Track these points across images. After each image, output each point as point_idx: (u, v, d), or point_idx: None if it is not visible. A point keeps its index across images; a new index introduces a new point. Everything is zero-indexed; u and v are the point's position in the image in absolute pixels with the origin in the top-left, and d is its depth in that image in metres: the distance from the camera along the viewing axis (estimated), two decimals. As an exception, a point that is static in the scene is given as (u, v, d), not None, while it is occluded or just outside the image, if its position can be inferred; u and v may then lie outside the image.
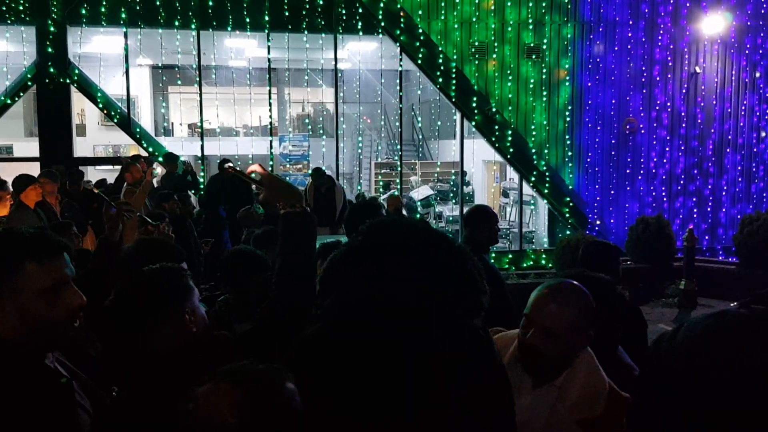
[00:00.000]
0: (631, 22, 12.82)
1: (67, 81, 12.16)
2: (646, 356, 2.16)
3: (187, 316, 2.15)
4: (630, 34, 12.83)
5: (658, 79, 13.01)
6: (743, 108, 13.31)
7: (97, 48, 13.76)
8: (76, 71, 12.33)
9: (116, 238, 3.88)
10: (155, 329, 2.11)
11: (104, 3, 11.99)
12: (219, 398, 1.51)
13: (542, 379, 2.23)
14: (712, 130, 13.24)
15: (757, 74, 13.27)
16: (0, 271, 1.86)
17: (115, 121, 12.82)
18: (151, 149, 12.78)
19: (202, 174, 12.61)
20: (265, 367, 1.59)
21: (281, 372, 1.57)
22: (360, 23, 12.44)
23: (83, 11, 11.97)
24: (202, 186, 11.96)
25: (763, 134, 13.24)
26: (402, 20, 12.18)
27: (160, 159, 12.11)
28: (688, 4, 12.94)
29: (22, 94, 12.83)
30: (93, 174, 15.52)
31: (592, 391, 2.18)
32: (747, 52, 13.20)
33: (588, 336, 2.23)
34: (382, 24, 12.21)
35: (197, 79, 12.75)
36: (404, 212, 14.05)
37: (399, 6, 12.17)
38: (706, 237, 13.19)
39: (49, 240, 1.96)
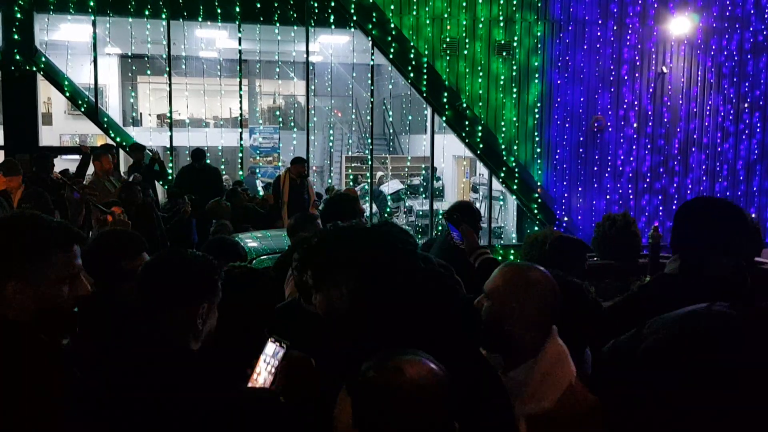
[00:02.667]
0: (600, 22, 12.97)
1: (34, 69, 11.97)
2: (602, 361, 2.21)
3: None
4: (599, 34, 12.98)
5: (626, 78, 13.19)
6: (708, 108, 13.55)
7: (65, 36, 13.56)
8: (43, 59, 12.14)
9: (79, 223, 3.85)
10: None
11: (72, -10, 11.82)
12: (421, 366, 1.52)
13: (504, 370, 2.23)
14: (678, 129, 13.46)
15: (722, 75, 13.52)
16: (28, 255, 1.94)
17: (82, 110, 12.64)
18: (118, 139, 12.65)
19: (170, 165, 12.50)
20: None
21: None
22: (332, 17, 12.42)
23: (50, -2, 11.78)
24: (170, 177, 11.87)
25: (665, 70, 13.31)
26: (374, 15, 12.18)
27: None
28: (656, 5, 13.13)
29: (-14, 81, 12.60)
30: (59, 164, 15.27)
31: (547, 385, 2.13)
32: (712, 53, 13.44)
33: (540, 324, 2.19)
34: (354, 18, 12.20)
35: (167, 69, 12.63)
36: (370, 206, 14.09)
37: (371, 0, 12.17)
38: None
39: (71, 231, 2.07)
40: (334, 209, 4.17)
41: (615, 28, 13.02)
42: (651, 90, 13.33)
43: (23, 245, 1.97)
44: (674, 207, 13.38)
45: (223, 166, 13.90)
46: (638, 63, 13.22)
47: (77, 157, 15.24)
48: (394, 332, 1.73)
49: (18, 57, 11.77)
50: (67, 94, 12.46)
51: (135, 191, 7.47)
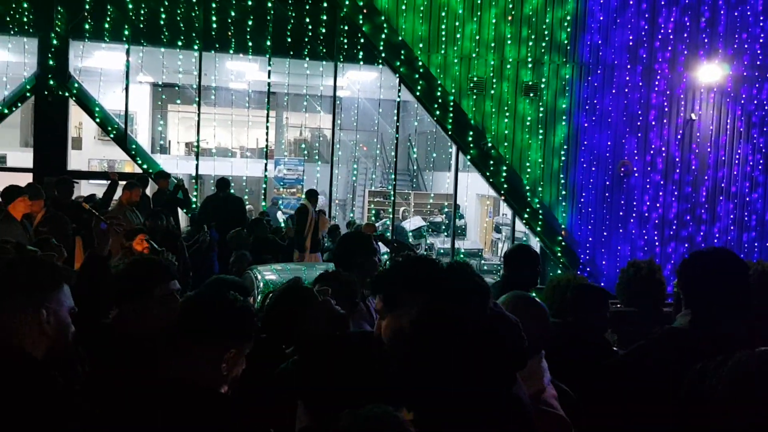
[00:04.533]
0: (629, 66, 12.93)
1: (66, 94, 12.19)
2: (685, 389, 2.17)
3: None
4: (627, 78, 12.94)
5: (653, 123, 13.10)
6: (737, 157, 13.39)
7: (98, 63, 13.82)
8: (76, 85, 12.37)
9: (105, 253, 3.87)
10: None
11: (108, 19, 12.07)
12: None
13: None
14: (706, 177, 13.30)
15: (752, 124, 13.38)
16: (47, 288, 2.13)
17: (112, 136, 12.82)
18: (145, 166, 12.77)
19: (195, 194, 12.59)
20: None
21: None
22: (361, 53, 12.55)
23: (87, 26, 12.03)
24: (194, 205, 11.95)
25: (694, 117, 13.17)
26: (402, 52, 12.27)
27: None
28: (685, 52, 13.08)
29: (20, 104, 12.86)
30: (86, 188, 15.48)
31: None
32: (742, 101, 13.32)
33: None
34: (383, 55, 12.30)
35: (197, 99, 12.80)
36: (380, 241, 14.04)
37: (400, 38, 12.27)
38: (696, 283, 13.17)
39: (66, 269, 2.38)
40: (348, 246, 4.11)
41: (644, 73, 12.98)
42: (679, 136, 13.21)
43: (50, 276, 2.16)
44: (700, 255, 13.15)
45: (246, 196, 13.97)
46: (667, 109, 13.13)
47: (104, 182, 15.48)
48: (452, 363, 1.70)
49: (52, 82, 12.00)
50: (98, 120, 12.65)
51: (160, 219, 7.50)
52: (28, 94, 12.40)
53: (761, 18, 13.23)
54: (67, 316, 2.16)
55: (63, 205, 9.55)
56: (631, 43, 12.88)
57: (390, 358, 1.97)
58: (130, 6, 12.03)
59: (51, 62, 11.97)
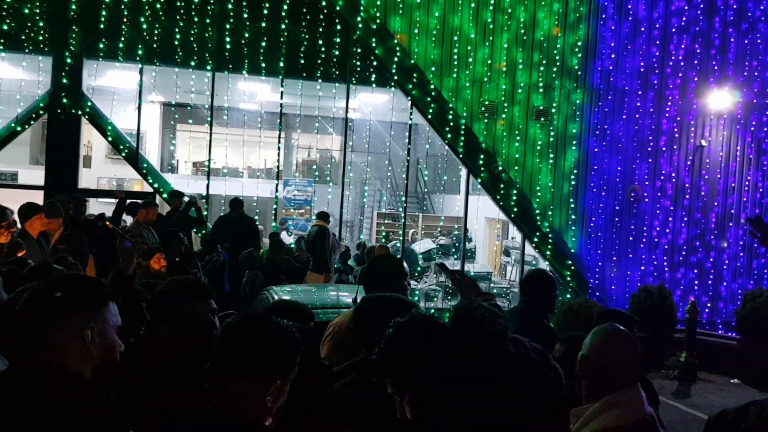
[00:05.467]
0: (639, 92, 13.00)
1: (79, 113, 12.25)
2: None
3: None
4: (638, 104, 13.00)
5: (664, 149, 13.13)
6: (747, 183, 13.41)
7: (111, 82, 13.89)
8: (89, 103, 12.43)
9: (130, 272, 3.86)
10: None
11: (122, 39, 12.16)
12: None
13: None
14: (716, 204, 13.30)
15: (761, 151, 13.41)
16: (94, 306, 2.10)
17: (123, 155, 12.85)
18: (156, 185, 12.79)
19: (205, 213, 12.59)
20: None
21: None
22: (373, 75, 12.61)
23: (101, 45, 12.12)
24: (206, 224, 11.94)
25: (704, 143, 13.18)
26: (415, 75, 12.35)
27: (165, 196, 12.13)
28: (696, 79, 13.15)
29: (32, 122, 12.92)
30: (95, 206, 15.50)
31: (608, 412, 2.40)
32: (752, 128, 13.37)
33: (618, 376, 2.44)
34: (395, 78, 12.37)
35: (209, 119, 12.85)
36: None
37: (413, 61, 12.35)
38: (707, 310, 13.13)
39: (111, 287, 2.27)
40: (379, 270, 4.08)
41: (654, 99, 13.03)
42: (689, 162, 13.24)
43: (96, 294, 2.13)
44: (710, 282, 13.14)
45: (256, 217, 13.98)
46: (677, 135, 13.18)
47: (113, 200, 15.51)
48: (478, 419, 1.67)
49: (65, 100, 12.06)
50: (110, 139, 12.69)
51: (178, 240, 7.50)
52: (41, 112, 12.46)
53: (771, 46, 13.31)
54: (114, 336, 2.13)
55: (77, 222, 9.57)
56: (642, 70, 12.96)
57: None
58: (144, 26, 12.12)
59: (64, 80, 12.04)
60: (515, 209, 12.57)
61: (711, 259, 13.33)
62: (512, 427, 1.70)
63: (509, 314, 5.86)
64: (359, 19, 12.21)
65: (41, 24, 11.97)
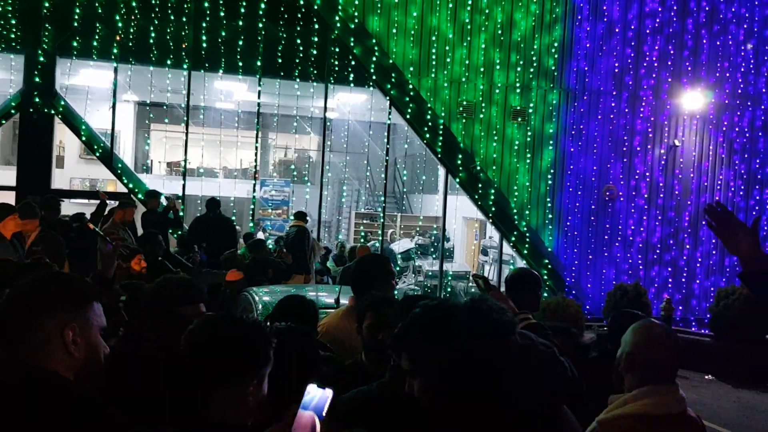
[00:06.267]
0: (614, 93, 13.15)
1: (52, 112, 12.05)
2: None
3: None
4: (613, 104, 13.15)
5: (638, 149, 13.30)
6: (719, 182, 13.63)
7: (85, 80, 13.69)
8: (62, 103, 12.24)
9: (111, 275, 3.82)
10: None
11: (97, 37, 11.98)
12: None
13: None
14: (689, 202, 13.51)
15: (733, 151, 13.64)
16: (76, 306, 2.01)
17: (98, 155, 12.68)
18: (131, 185, 12.64)
19: (181, 214, 12.46)
20: None
21: None
22: (351, 75, 12.59)
23: (75, 43, 11.94)
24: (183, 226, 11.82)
25: (677, 143, 13.43)
26: (393, 75, 12.35)
27: (140, 196, 11.99)
28: (669, 80, 13.33)
29: (4, 121, 12.70)
30: (68, 207, 15.27)
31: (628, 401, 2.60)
32: (724, 128, 13.60)
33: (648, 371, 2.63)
34: (374, 77, 12.37)
35: (185, 118, 12.73)
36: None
37: (391, 61, 12.36)
38: (680, 307, 13.32)
39: (95, 286, 2.18)
40: (366, 270, 4.09)
41: (629, 99, 13.19)
42: (663, 162, 13.42)
43: (78, 293, 2.05)
44: (683, 279, 13.34)
45: (233, 217, 13.88)
46: (651, 135, 13.36)
47: (86, 200, 15.28)
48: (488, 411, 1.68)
49: (38, 100, 11.86)
50: (84, 139, 12.51)
51: (158, 243, 7.41)
52: (13, 111, 12.24)
53: (742, 47, 13.55)
54: (97, 337, 2.05)
55: (50, 224, 9.41)
56: (616, 71, 13.11)
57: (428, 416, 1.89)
58: (119, 24, 11.96)
59: (37, 79, 11.84)
60: (493, 209, 12.64)
61: (684, 257, 13.53)
62: (519, 416, 1.72)
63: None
64: (337, 18, 12.18)
65: (13, 22, 11.75)
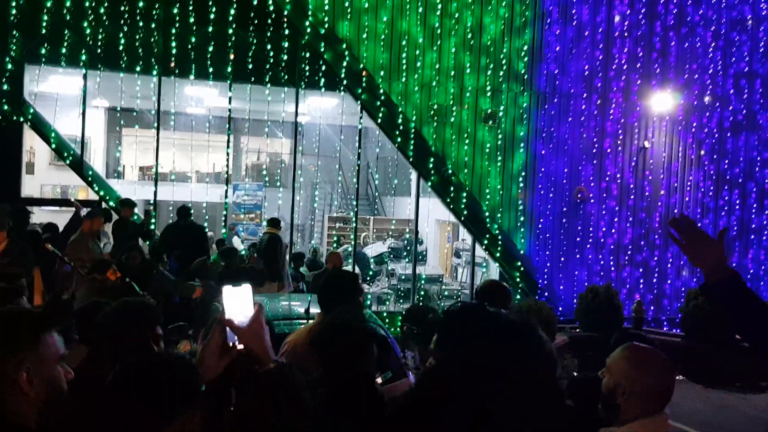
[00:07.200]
0: (584, 95, 13.25)
1: (21, 120, 11.91)
2: None
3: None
4: (583, 107, 13.26)
5: (608, 151, 13.43)
6: (689, 183, 13.80)
7: (54, 87, 13.55)
8: (31, 110, 12.10)
9: (69, 296, 3.79)
10: None
11: (65, 44, 11.86)
12: None
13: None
14: (659, 203, 13.66)
15: (702, 152, 13.81)
16: (25, 346, 1.90)
17: (67, 162, 12.56)
18: (102, 192, 12.53)
19: (153, 220, 12.38)
20: None
21: None
22: (322, 80, 12.57)
23: (43, 50, 11.81)
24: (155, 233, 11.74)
25: (647, 144, 13.61)
26: (364, 80, 12.36)
27: (111, 203, 11.90)
28: (639, 81, 13.47)
29: (-29, 129, 12.51)
30: (40, 215, 15.11)
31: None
32: (693, 130, 13.76)
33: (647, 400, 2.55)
34: (345, 82, 12.37)
35: (155, 125, 12.64)
36: (352, 268, 13.99)
37: (361, 66, 12.36)
38: (652, 307, 13.48)
39: (53, 312, 2.04)
40: (335, 287, 4.09)
41: (599, 102, 13.31)
42: (633, 164, 13.57)
43: (24, 332, 1.93)
44: (655, 280, 13.48)
45: (205, 223, 13.81)
46: (621, 137, 13.49)
47: (57, 208, 15.13)
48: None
49: (6, 107, 11.72)
50: (53, 146, 12.38)
51: (135, 257, 7.39)
52: (-20, 119, 12.08)
53: (710, 50, 13.72)
54: (54, 370, 1.94)
55: (20, 235, 9.30)
56: (586, 73, 13.22)
57: None
58: (88, 31, 11.84)
59: (5, 87, 11.69)
60: (465, 212, 12.70)
61: (656, 258, 13.69)
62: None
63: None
64: (307, 23, 12.16)
65: (-21, 29, 11.61)
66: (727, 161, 13.95)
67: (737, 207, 13.99)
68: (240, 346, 1.97)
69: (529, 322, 1.86)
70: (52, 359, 1.95)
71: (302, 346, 3.76)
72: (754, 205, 14.11)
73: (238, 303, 2.00)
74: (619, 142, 13.48)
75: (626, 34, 13.37)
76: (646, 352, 2.64)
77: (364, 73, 12.34)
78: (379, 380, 3.83)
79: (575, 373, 4.65)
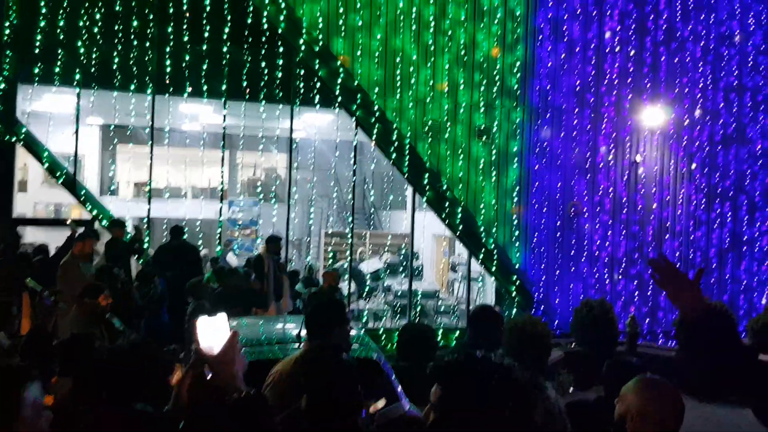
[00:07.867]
0: (576, 110, 13.34)
1: (13, 139, 11.88)
2: None
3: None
4: (576, 122, 13.34)
5: (601, 165, 13.51)
6: (681, 197, 13.89)
7: (48, 106, 13.53)
8: (23, 130, 12.08)
9: (49, 330, 3.82)
10: None
11: (59, 63, 11.86)
12: None
13: None
14: (652, 217, 13.74)
15: (694, 165, 13.91)
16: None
17: (60, 182, 12.53)
18: (95, 212, 12.50)
19: (146, 239, 12.34)
20: None
21: None
22: (317, 96, 12.61)
23: (36, 70, 11.81)
24: (147, 253, 11.70)
25: (639, 159, 13.69)
26: (359, 96, 12.42)
27: (104, 223, 11.85)
28: (630, 96, 13.58)
29: (-37, 149, 12.46)
30: (33, 234, 15.05)
31: None
32: (684, 143, 13.87)
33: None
34: (339, 99, 12.42)
35: (150, 142, 12.64)
36: (348, 285, 13.97)
37: (356, 83, 12.42)
38: (647, 320, 13.53)
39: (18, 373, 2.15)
40: (323, 315, 4.09)
41: (591, 116, 13.40)
42: (625, 178, 13.65)
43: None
44: (649, 292, 13.54)
45: (200, 241, 13.78)
46: (613, 151, 13.57)
47: (50, 228, 15.06)
48: None
49: (-1, 127, 11.70)
50: (46, 166, 12.36)
51: (116, 279, 7.36)
52: (-27, 139, 12.04)
53: (699, 65, 13.86)
54: (34, 418, 2.01)
55: (8, 258, 9.27)
56: (578, 88, 13.31)
57: None
58: (82, 50, 11.86)
59: (-1, 107, 11.69)
60: (460, 227, 12.74)
61: (649, 271, 13.70)
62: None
63: (458, 349, 5.91)
64: (302, 41, 12.23)
65: (-27, 48, 11.60)
66: (718, 174, 14.06)
67: (729, 219, 14.09)
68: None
69: (537, 382, 1.98)
70: (30, 409, 2.04)
71: (287, 376, 3.74)
72: (746, 217, 14.21)
73: (212, 332, 2.04)
74: (611, 156, 13.56)
75: (617, 50, 13.48)
76: (657, 385, 2.76)
77: (358, 90, 12.39)
78: (380, 404, 3.84)
79: (571, 389, 4.66)
